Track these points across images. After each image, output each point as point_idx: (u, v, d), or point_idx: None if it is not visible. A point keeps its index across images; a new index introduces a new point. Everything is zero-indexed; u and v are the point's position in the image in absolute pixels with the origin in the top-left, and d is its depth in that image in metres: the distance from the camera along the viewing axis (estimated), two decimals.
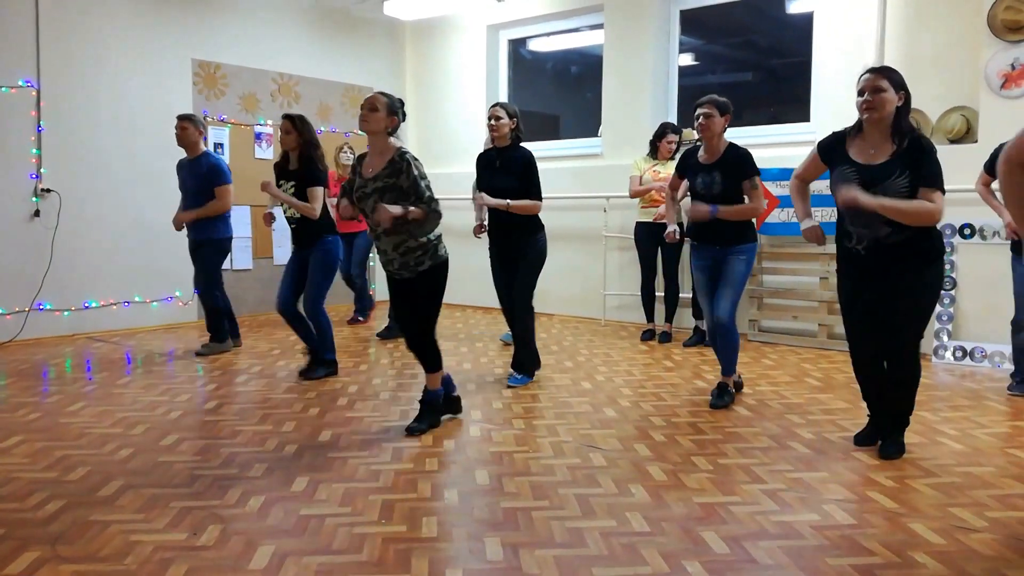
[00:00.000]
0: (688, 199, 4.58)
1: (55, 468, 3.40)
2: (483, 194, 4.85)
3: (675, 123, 6.71)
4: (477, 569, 2.48)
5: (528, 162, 4.83)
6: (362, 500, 3.04)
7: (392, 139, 3.83)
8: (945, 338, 5.72)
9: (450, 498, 3.07)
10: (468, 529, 2.78)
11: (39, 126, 6.36)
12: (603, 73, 7.64)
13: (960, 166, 5.44)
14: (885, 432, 3.65)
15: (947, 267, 5.72)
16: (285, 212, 5.09)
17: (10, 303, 6.27)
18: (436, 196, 3.79)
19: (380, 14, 8.49)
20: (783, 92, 7.43)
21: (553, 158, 8.07)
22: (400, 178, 3.72)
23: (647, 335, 6.63)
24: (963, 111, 5.72)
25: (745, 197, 4.30)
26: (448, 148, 8.77)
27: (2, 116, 6.18)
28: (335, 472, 3.36)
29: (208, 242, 5.79)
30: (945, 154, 5.86)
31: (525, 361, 5.02)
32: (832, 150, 3.52)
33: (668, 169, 6.17)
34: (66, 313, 6.58)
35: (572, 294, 7.88)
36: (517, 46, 8.77)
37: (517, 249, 4.90)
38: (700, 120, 4.28)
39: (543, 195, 4.93)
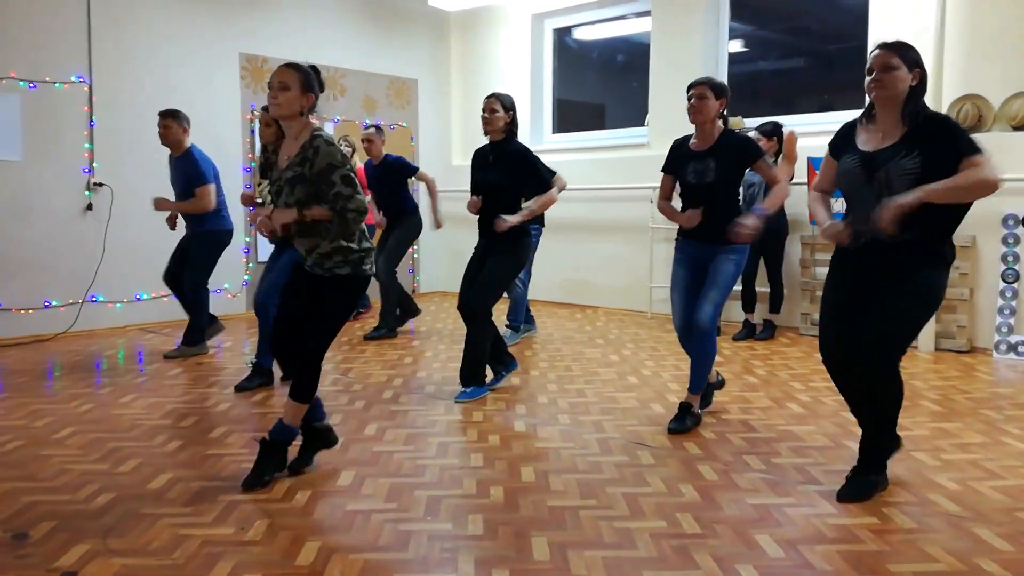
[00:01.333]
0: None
1: (107, 460, 3.45)
2: (501, 217, 4.38)
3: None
4: (524, 569, 2.44)
5: (523, 156, 4.51)
6: (408, 496, 3.02)
7: (312, 119, 3.18)
8: (1007, 332, 5.51)
9: (496, 495, 3.03)
10: (514, 528, 2.74)
11: (91, 121, 6.47)
12: (650, 61, 7.51)
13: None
14: (856, 468, 3.09)
15: (1010, 259, 5.52)
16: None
17: (64, 295, 6.41)
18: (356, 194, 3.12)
19: (424, 5, 8.47)
20: (837, 78, 7.21)
21: (599, 148, 7.98)
22: (306, 167, 3.07)
23: None
24: None
25: (766, 181, 4.01)
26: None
27: (55, 111, 6.30)
28: (380, 467, 3.35)
29: (203, 235, 5.53)
30: (1009, 141, 5.65)
31: (475, 372, 4.51)
32: (841, 142, 3.11)
33: None
34: (118, 305, 6.70)
35: (617, 286, 7.79)
36: (562, 35, 8.67)
37: (493, 248, 4.51)
38: (692, 102, 3.80)
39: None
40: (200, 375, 5.04)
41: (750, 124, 6.97)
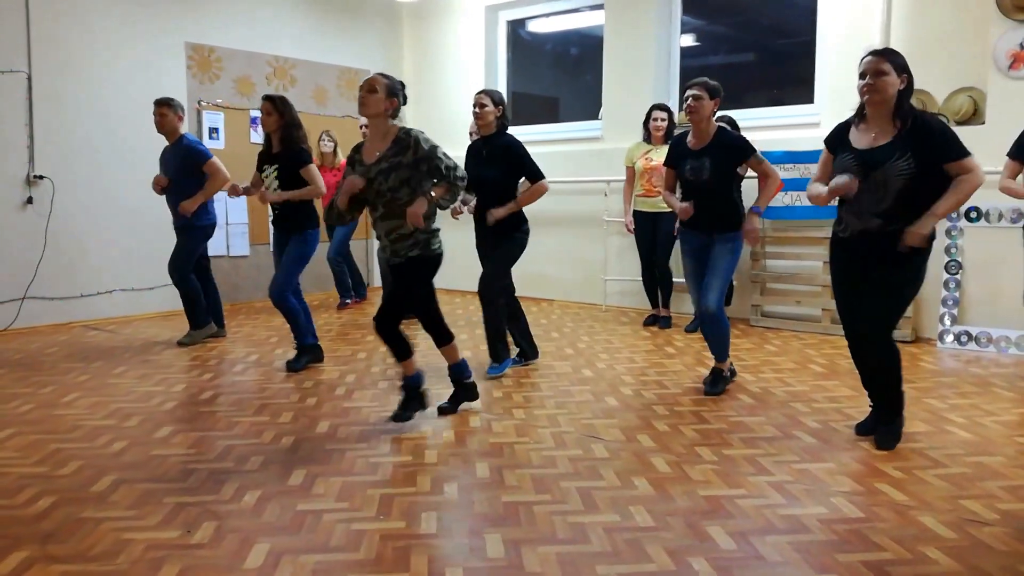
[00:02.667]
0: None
1: (47, 462, 3.34)
2: (490, 211, 4.65)
3: (663, 103, 6.55)
4: (478, 567, 2.42)
5: (514, 149, 4.67)
6: (360, 495, 2.98)
7: (393, 122, 3.71)
8: (949, 323, 5.65)
9: (450, 492, 3.01)
10: (468, 525, 2.72)
11: (30, 112, 6.26)
12: (603, 55, 7.52)
13: (967, 147, 5.36)
14: (880, 421, 3.59)
15: (953, 250, 5.66)
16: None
17: (4, 292, 6.19)
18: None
19: None
20: (786, 73, 7.30)
21: (552, 141, 7.97)
22: (407, 155, 3.61)
23: (650, 320, 6.60)
24: (970, 92, 5.62)
25: (757, 178, 4.24)
26: (447, 131, 8.63)
27: None
28: (333, 465, 3.30)
29: (189, 228, 5.62)
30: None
31: (495, 347, 4.84)
32: (836, 141, 3.47)
33: (661, 155, 5.93)
34: (61, 301, 6.51)
35: (572, 280, 7.81)
36: (516, 27, 8.64)
37: (493, 239, 4.79)
38: (689, 102, 4.14)
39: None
40: (145, 373, 4.92)
41: None
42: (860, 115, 3.38)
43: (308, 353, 5.07)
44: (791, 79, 6.99)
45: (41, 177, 6.32)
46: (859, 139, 3.35)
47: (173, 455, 3.42)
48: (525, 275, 8.09)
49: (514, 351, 5.10)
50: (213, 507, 2.86)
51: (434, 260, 3.80)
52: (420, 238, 3.72)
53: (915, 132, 3.22)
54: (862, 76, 3.27)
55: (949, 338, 5.65)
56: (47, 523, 2.73)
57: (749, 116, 6.64)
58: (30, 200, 6.30)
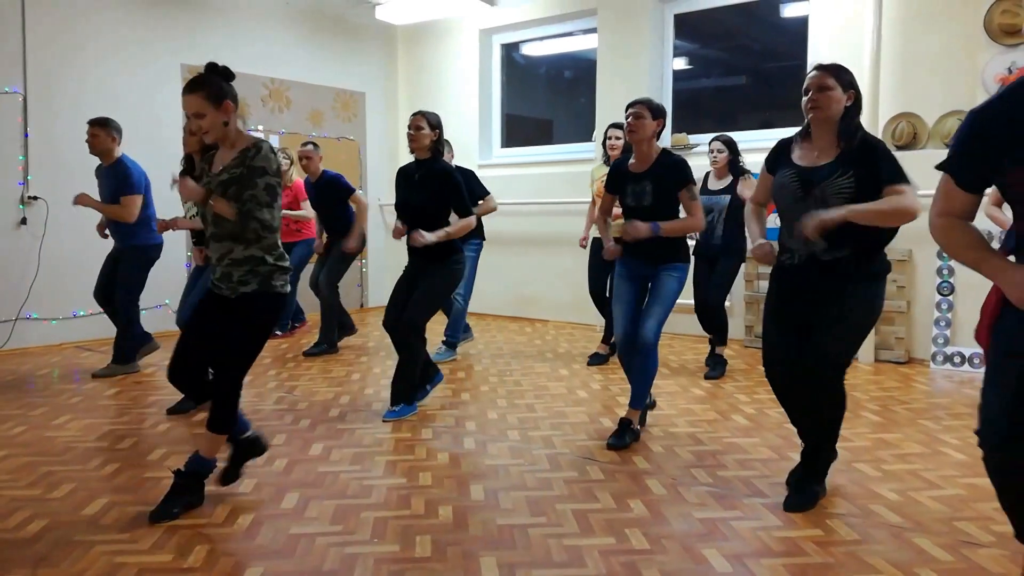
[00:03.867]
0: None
1: (39, 485, 3.31)
2: (420, 232, 4.24)
3: (620, 121, 5.99)
4: None
5: (446, 177, 4.37)
6: (354, 518, 2.96)
7: (239, 126, 3.10)
8: (943, 344, 5.67)
9: (444, 515, 2.99)
10: (463, 548, 2.70)
11: (26, 132, 6.27)
12: (597, 77, 7.58)
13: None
14: (799, 476, 3.19)
15: (945, 272, 5.69)
16: (189, 218, 4.71)
17: None
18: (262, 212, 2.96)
19: (372, 18, 8.43)
20: (777, 97, 7.37)
21: (546, 163, 8.02)
22: (242, 169, 2.97)
23: (593, 359, 5.92)
24: (960, 115, 5.68)
25: (682, 210, 3.88)
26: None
27: None
28: (326, 488, 3.28)
29: (131, 250, 5.33)
30: (941, 158, 5.83)
31: (403, 390, 4.41)
32: (775, 159, 3.19)
33: None
34: (54, 322, 6.49)
35: (566, 300, 7.82)
36: (510, 51, 8.70)
37: (423, 270, 4.42)
38: (629, 120, 3.81)
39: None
40: (138, 395, 4.90)
41: (695, 140, 7.08)
42: (805, 132, 3.10)
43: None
44: (782, 102, 7.05)
45: (35, 198, 6.33)
46: (801, 157, 3.08)
47: (166, 478, 3.39)
48: (518, 296, 8.13)
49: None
50: (206, 530, 2.84)
51: (274, 300, 3.05)
52: (261, 268, 3.01)
53: (858, 150, 2.95)
54: (805, 92, 3.02)
55: (942, 359, 5.67)
56: (39, 546, 2.70)
57: (741, 138, 6.66)
58: (24, 221, 6.30)
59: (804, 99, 3.03)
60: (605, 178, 5.54)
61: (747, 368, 5.65)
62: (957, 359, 5.61)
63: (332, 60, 8.46)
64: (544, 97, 9.33)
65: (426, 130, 4.39)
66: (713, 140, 5.51)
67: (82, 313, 6.62)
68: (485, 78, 8.59)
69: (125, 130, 6.81)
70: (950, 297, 5.69)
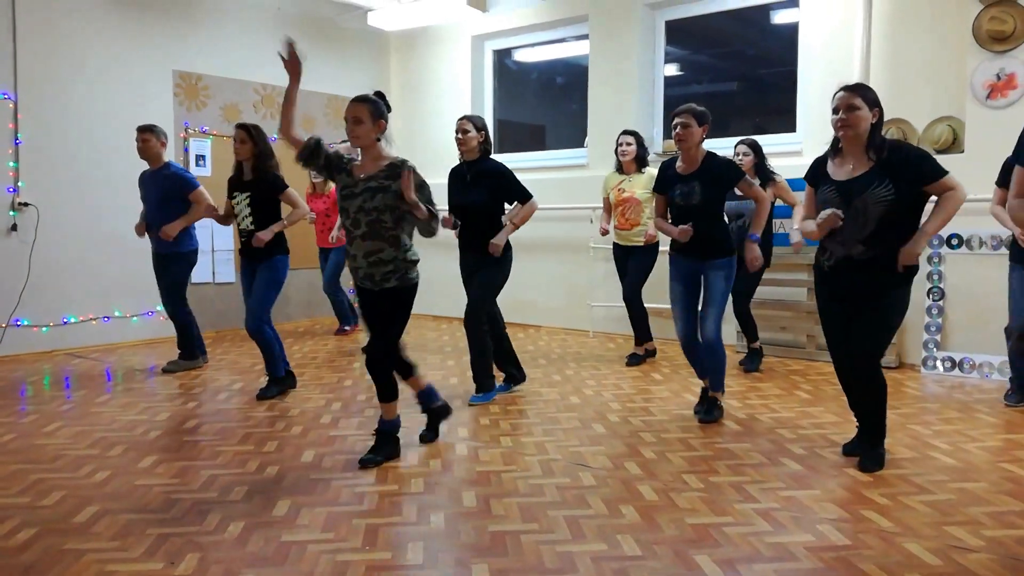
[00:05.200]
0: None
1: (29, 493, 3.30)
2: (494, 242, 4.66)
3: (631, 128, 6.31)
4: None
5: (500, 173, 4.74)
6: (345, 525, 2.96)
7: (383, 144, 3.66)
8: (934, 349, 5.70)
9: (436, 522, 2.99)
10: (455, 555, 2.70)
11: (16, 139, 6.25)
12: (588, 83, 7.61)
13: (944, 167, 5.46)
14: (864, 444, 3.66)
15: (935, 277, 5.72)
16: (239, 224, 5.01)
17: None
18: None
19: (364, 25, 8.43)
20: (768, 102, 7.41)
21: (539, 168, 8.03)
22: (397, 182, 3.54)
23: (633, 360, 6.11)
24: (949, 121, 5.72)
25: (751, 200, 4.37)
26: (434, 158, 8.69)
27: None
28: (318, 495, 3.28)
29: (175, 256, 5.64)
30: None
31: (479, 376, 4.86)
32: (816, 175, 3.56)
33: (633, 186, 5.89)
34: (44, 329, 6.46)
35: (558, 306, 7.82)
36: (502, 56, 8.72)
37: (478, 264, 4.81)
38: (678, 130, 4.17)
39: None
40: (129, 402, 4.88)
41: None
42: (835, 149, 3.47)
43: (280, 383, 5.05)
44: (773, 108, 7.09)
45: (26, 204, 6.30)
46: (837, 171, 3.44)
47: (157, 485, 3.39)
48: (511, 301, 8.11)
49: (500, 376, 5.09)
50: (197, 538, 2.83)
51: (411, 289, 3.70)
52: (399, 266, 3.63)
53: (892, 160, 3.30)
54: (835, 111, 3.36)
55: (932, 364, 5.69)
56: (28, 555, 2.69)
57: (733, 144, 6.70)
58: (14, 227, 6.27)
59: (833, 118, 3.37)
60: (620, 185, 5.97)
61: (738, 373, 5.66)
62: (947, 364, 5.63)
63: (324, 66, 8.46)
64: (536, 103, 9.35)
65: (472, 133, 4.71)
66: (739, 143, 5.60)
67: (73, 320, 6.60)
68: (477, 84, 8.60)
69: (117, 136, 6.83)
70: (940, 302, 5.72)
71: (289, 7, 8.10)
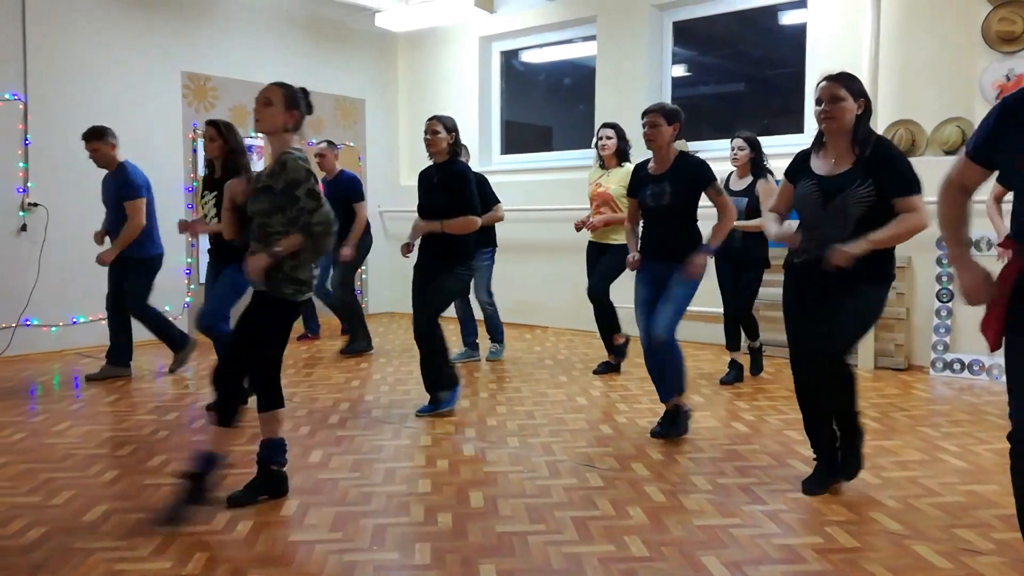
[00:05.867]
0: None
1: (39, 492, 3.31)
2: (417, 219, 4.54)
3: (612, 121, 5.88)
4: None
5: (461, 176, 4.50)
6: (353, 525, 2.96)
7: (294, 137, 3.23)
8: (943, 351, 5.68)
9: (443, 522, 2.99)
10: (462, 556, 2.70)
11: (26, 139, 6.29)
12: (596, 84, 7.61)
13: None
14: (841, 452, 3.37)
15: (944, 279, 5.70)
16: (208, 222, 4.79)
17: None
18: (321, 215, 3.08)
19: (372, 26, 8.45)
20: (776, 103, 7.40)
21: (546, 169, 8.03)
22: (278, 180, 3.08)
23: (601, 368, 5.83)
24: (958, 122, 5.69)
25: (715, 209, 4.02)
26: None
27: None
28: (326, 495, 3.28)
29: (134, 262, 5.34)
30: (941, 166, 5.86)
31: (435, 383, 4.55)
32: (796, 169, 3.31)
33: (609, 181, 5.58)
34: (54, 329, 6.49)
35: (566, 306, 7.82)
36: (510, 58, 8.73)
37: (436, 269, 4.52)
38: (646, 130, 3.97)
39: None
40: (138, 401, 4.90)
41: (694, 147, 7.09)
42: (819, 142, 3.23)
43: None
44: (781, 109, 7.08)
45: (35, 204, 6.34)
46: (820, 166, 3.21)
47: (166, 484, 3.40)
48: (518, 302, 8.13)
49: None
50: (205, 537, 2.84)
51: (283, 307, 3.13)
52: (279, 276, 3.10)
53: (875, 158, 3.08)
54: (818, 103, 3.13)
55: (941, 366, 5.67)
56: (38, 554, 2.70)
57: (725, 141, 6.70)
58: (24, 227, 6.31)
59: (816, 109, 3.16)
60: (600, 181, 5.68)
61: (746, 375, 5.64)
62: (956, 366, 5.61)
63: (332, 67, 8.48)
64: (543, 104, 9.35)
65: (442, 134, 4.52)
66: (735, 138, 5.37)
67: (82, 320, 6.63)
68: (485, 85, 8.61)
69: (124, 137, 6.80)
70: (949, 304, 5.70)
71: (297, 8, 8.12)
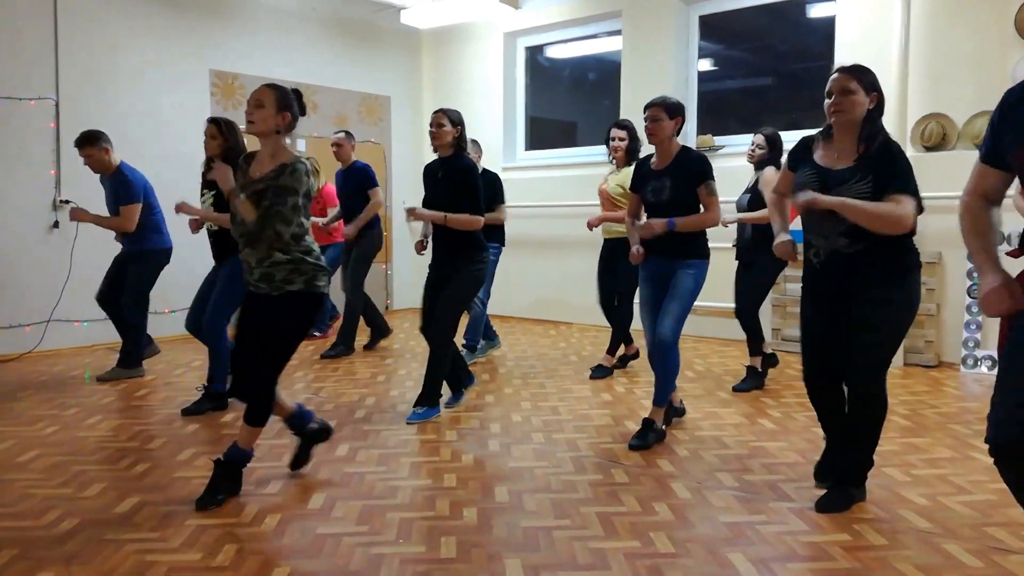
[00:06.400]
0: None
1: (71, 484, 3.37)
2: (417, 207, 4.44)
3: (624, 119, 5.66)
4: None
5: (467, 171, 4.38)
6: (379, 518, 2.98)
7: (286, 140, 3.27)
8: (974, 347, 5.60)
9: (469, 516, 3.01)
10: (488, 550, 2.71)
11: (58, 138, 6.38)
12: (621, 80, 7.58)
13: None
14: (834, 475, 3.20)
15: (975, 275, 5.61)
16: (207, 225, 4.75)
17: (30, 315, 6.29)
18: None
19: (397, 23, 8.48)
20: (803, 97, 7.31)
21: (570, 165, 8.02)
22: (280, 179, 3.12)
23: (597, 372, 5.59)
24: (990, 116, 5.59)
25: (700, 206, 3.90)
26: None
27: (22, 127, 6.21)
28: (352, 488, 3.31)
29: (139, 254, 5.37)
30: (973, 159, 5.77)
31: (430, 393, 4.43)
32: (797, 156, 3.19)
33: (619, 179, 5.40)
34: (85, 324, 6.59)
35: (591, 303, 7.76)
36: (534, 53, 8.72)
37: (450, 266, 4.43)
38: (647, 124, 3.91)
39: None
40: (168, 396, 4.97)
41: (720, 142, 7.04)
42: (827, 133, 3.09)
43: (216, 400, 4.63)
44: (808, 103, 6.98)
45: (67, 202, 6.43)
46: (823, 156, 3.08)
47: (195, 477, 3.44)
48: (543, 299, 8.13)
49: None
50: (234, 530, 2.88)
51: (316, 300, 3.23)
52: (303, 266, 3.17)
53: (879, 156, 2.94)
54: (828, 95, 3.01)
55: (972, 363, 5.59)
56: (71, 544, 2.75)
57: (747, 137, 6.65)
58: (56, 224, 6.41)
59: (827, 102, 3.03)
60: (610, 178, 5.60)
61: (774, 371, 5.60)
62: (988, 363, 5.53)
63: (358, 64, 8.53)
64: (568, 99, 9.32)
65: (447, 127, 4.41)
66: (756, 134, 5.25)
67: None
68: (509, 81, 8.61)
69: (153, 134, 6.91)
70: None
71: (323, 7, 8.17)
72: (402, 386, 5.23)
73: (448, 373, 4.58)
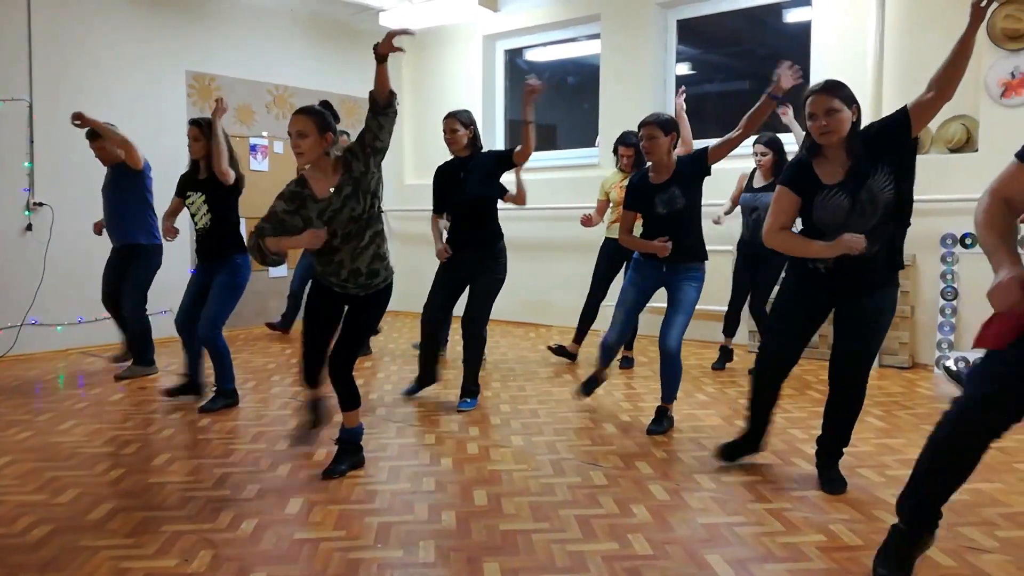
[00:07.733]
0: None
1: (45, 490, 3.33)
2: (532, 124, 4.47)
3: (629, 138, 5.85)
4: None
5: (493, 153, 4.71)
6: (357, 523, 2.97)
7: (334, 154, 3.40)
8: (947, 349, 5.67)
9: (447, 520, 3.00)
10: (467, 554, 2.71)
11: (31, 140, 6.30)
12: (600, 83, 7.60)
13: (960, 175, 5.44)
14: (826, 465, 3.40)
15: (949, 277, 5.69)
16: (196, 224, 4.75)
17: (2, 318, 6.20)
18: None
19: (375, 25, 8.45)
20: (781, 102, 7.37)
21: (550, 168, 8.03)
22: (357, 163, 3.34)
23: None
24: (963, 120, 5.68)
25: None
26: (444, 158, 8.73)
27: None
28: (330, 493, 3.29)
29: (138, 250, 5.38)
30: (946, 163, 5.85)
31: (471, 386, 4.70)
32: (804, 182, 3.14)
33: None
34: (59, 328, 6.51)
35: (572, 305, 7.77)
36: (513, 56, 8.73)
37: (477, 265, 4.61)
38: (643, 143, 4.01)
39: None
40: (143, 400, 4.92)
41: (699, 146, 7.08)
42: (814, 152, 3.12)
43: (228, 396, 4.73)
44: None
45: (41, 204, 6.36)
46: (827, 175, 3.09)
47: (170, 483, 3.41)
48: (526, 302, 8.13)
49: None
50: (210, 535, 2.85)
51: (389, 292, 3.62)
52: (388, 263, 3.57)
53: (869, 146, 3.03)
54: (811, 117, 3.04)
55: (947, 364, 5.65)
56: (45, 551, 2.72)
57: (745, 143, 6.68)
58: (29, 227, 6.33)
59: (811, 123, 3.06)
60: (623, 183, 5.68)
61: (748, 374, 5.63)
62: (961, 364, 5.59)
63: (336, 66, 8.49)
64: (548, 102, 9.33)
65: (461, 130, 4.60)
66: (756, 142, 5.31)
67: (87, 319, 6.64)
68: (488, 84, 8.61)
69: (130, 135, 6.81)
70: (954, 302, 5.68)
71: (301, 8, 8.13)
72: (380, 389, 5.21)
73: (431, 365, 4.86)
